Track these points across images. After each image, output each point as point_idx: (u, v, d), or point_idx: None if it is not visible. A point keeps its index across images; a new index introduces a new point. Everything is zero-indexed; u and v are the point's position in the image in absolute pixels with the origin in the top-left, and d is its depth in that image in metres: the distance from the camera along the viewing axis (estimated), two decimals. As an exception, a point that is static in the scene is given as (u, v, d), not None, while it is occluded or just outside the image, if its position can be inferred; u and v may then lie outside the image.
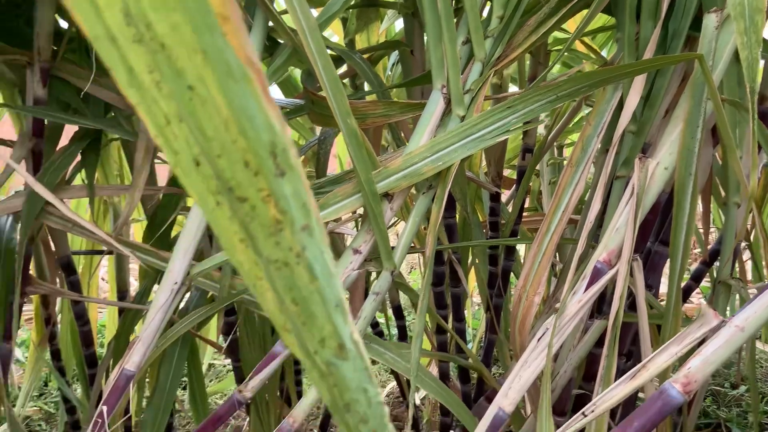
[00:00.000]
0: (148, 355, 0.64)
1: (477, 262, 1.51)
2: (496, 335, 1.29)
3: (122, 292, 1.34)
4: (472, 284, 2.11)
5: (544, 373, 0.61)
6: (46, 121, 0.89)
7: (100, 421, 0.65)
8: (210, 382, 2.07)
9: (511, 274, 1.33)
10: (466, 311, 1.48)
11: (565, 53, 1.25)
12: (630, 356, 0.81)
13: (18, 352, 2.10)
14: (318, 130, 1.36)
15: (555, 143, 1.69)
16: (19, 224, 1.15)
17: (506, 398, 0.62)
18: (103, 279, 2.46)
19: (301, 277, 0.23)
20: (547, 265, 0.68)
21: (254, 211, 0.22)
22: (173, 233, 1.10)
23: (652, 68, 0.68)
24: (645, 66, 0.65)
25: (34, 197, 0.78)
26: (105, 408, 0.64)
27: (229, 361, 2.11)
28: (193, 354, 1.12)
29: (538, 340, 0.64)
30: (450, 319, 1.34)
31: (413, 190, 0.73)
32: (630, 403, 0.84)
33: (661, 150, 0.66)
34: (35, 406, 1.79)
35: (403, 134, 1.11)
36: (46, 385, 1.89)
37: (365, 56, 0.99)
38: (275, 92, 0.94)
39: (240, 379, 1.16)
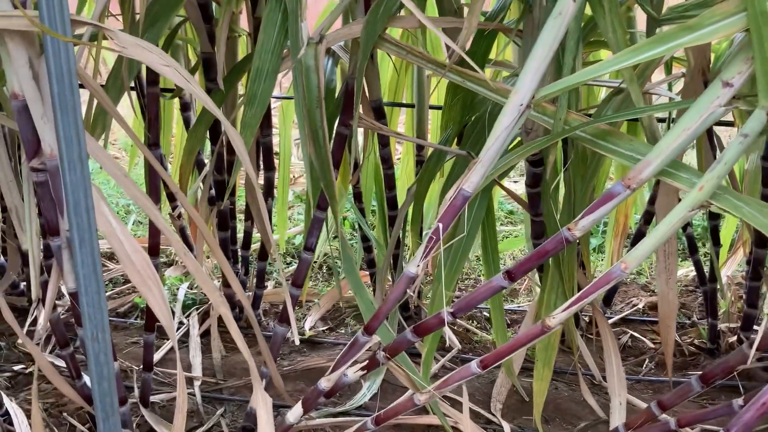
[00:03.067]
0: (486, 175, 0.63)
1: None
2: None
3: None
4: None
5: None
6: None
7: (434, 237, 0.67)
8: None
9: None
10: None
11: None
12: None
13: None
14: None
15: None
16: (339, 66, 1.21)
17: None
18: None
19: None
20: None
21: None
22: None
23: None
24: None
25: (371, 24, 0.80)
26: (440, 225, 0.65)
27: (507, 227, 2.14)
28: (488, 210, 1.12)
29: None
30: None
31: None
32: None
33: None
34: (332, 245, 1.99)
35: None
36: (341, 229, 2.08)
37: None
38: None
39: (535, 232, 1.14)
